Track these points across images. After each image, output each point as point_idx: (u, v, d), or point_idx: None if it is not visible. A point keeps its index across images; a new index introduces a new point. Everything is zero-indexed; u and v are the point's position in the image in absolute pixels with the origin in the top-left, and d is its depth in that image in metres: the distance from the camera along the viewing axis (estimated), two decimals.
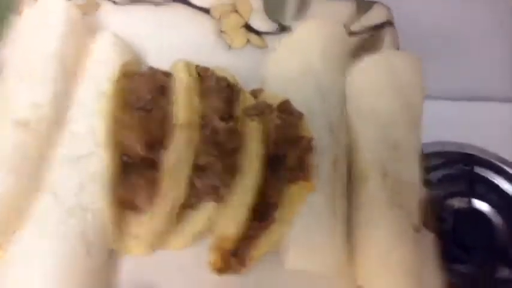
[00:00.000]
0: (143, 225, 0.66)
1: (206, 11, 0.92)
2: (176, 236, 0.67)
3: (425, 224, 0.70)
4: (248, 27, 0.92)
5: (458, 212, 1.02)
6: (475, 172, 1.06)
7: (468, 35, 1.14)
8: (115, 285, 0.66)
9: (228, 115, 0.69)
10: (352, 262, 0.67)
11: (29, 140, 0.65)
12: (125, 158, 0.66)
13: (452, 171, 1.08)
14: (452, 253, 0.76)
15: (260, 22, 0.92)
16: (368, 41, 0.90)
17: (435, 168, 1.06)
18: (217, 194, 0.65)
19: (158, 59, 0.82)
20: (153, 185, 0.64)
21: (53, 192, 0.63)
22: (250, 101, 0.73)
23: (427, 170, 0.76)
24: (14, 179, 0.62)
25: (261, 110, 0.69)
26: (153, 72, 0.72)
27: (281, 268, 0.67)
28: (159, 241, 0.66)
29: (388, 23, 0.91)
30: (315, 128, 0.72)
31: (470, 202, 1.03)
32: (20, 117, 0.65)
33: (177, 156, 0.64)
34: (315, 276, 0.67)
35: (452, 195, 1.04)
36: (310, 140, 0.69)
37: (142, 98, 0.68)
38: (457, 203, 1.04)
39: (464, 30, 1.13)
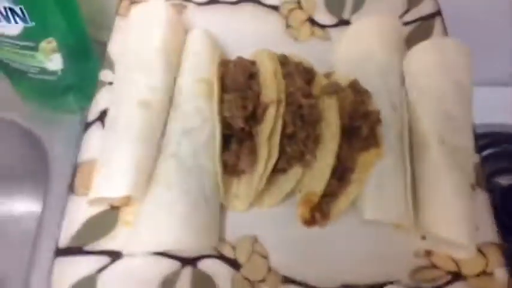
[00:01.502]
0: (243, 186, 0.79)
1: (275, 8, 1.05)
2: (270, 195, 0.80)
3: (480, 184, 0.81)
4: (312, 22, 1.05)
5: (505, 189, 1.11)
6: None
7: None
8: (224, 234, 0.79)
9: (308, 93, 0.81)
10: (418, 215, 0.78)
11: (151, 116, 0.79)
12: (227, 131, 0.79)
13: (498, 151, 1.17)
14: (501, 225, 0.84)
15: (322, 16, 1.05)
16: (420, 30, 1.02)
17: (482, 148, 1.14)
18: (304, 158, 0.78)
19: (237, 50, 0.96)
20: (253, 152, 0.77)
21: (176, 156, 0.77)
22: (324, 81, 0.85)
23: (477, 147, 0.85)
24: (143, 146, 0.76)
25: (336, 88, 0.82)
26: (242, 61, 0.86)
27: (359, 222, 0.80)
28: (255, 200, 0.79)
29: (437, 14, 1.02)
30: (380, 105, 0.85)
31: None
32: (143, 98, 0.79)
33: (270, 127, 0.76)
34: (387, 226, 0.79)
35: (499, 172, 1.13)
36: (378, 113, 0.81)
37: (237, 81, 0.82)
38: (503, 180, 1.13)
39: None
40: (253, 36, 1.00)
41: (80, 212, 0.77)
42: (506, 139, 1.17)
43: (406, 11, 1.04)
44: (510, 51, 1.25)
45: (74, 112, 1.04)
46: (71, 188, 0.78)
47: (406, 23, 1.02)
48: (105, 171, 0.73)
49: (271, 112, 0.76)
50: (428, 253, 0.79)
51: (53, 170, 1.00)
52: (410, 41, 0.99)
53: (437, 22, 1.01)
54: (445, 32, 0.99)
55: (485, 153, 1.16)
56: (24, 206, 1.16)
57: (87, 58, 1.03)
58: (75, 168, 0.79)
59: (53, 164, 1.01)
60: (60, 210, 0.77)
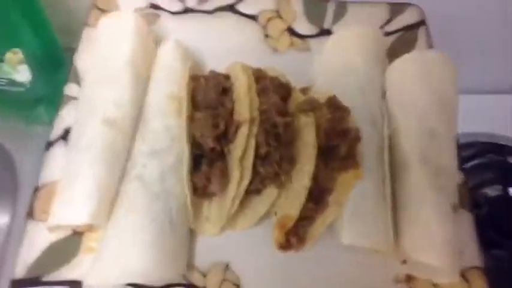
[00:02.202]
0: (214, 208, 0.75)
1: (253, 17, 1.01)
2: (243, 218, 0.76)
3: (463, 205, 0.78)
4: (291, 31, 1.00)
5: (492, 200, 1.07)
6: (508, 162, 1.13)
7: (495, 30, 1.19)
8: (193, 260, 0.75)
9: (283, 111, 0.77)
10: (398, 239, 0.75)
11: (116, 135, 0.75)
12: (197, 151, 0.74)
13: (485, 161, 1.13)
14: (488, 238, 0.80)
15: (302, 26, 1.01)
16: (402, 40, 0.98)
17: (468, 158, 1.12)
18: (279, 179, 0.74)
19: (213, 62, 0.92)
20: (224, 174, 0.73)
21: (141, 180, 0.72)
22: (300, 97, 0.81)
23: (461, 160, 0.82)
24: (107, 168, 0.72)
25: (313, 106, 0.78)
26: (215, 75, 0.82)
27: (336, 247, 0.75)
28: (227, 223, 0.74)
29: (422, 23, 0.98)
30: (359, 121, 0.80)
31: (504, 190, 1.09)
32: (108, 116, 0.74)
33: (242, 147, 0.72)
34: (366, 251, 0.75)
35: (485, 184, 1.09)
36: (357, 131, 0.77)
37: (209, 98, 0.78)
38: (490, 191, 1.10)
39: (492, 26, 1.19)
40: (230, 47, 0.96)
41: (39, 238, 0.73)
42: (492, 149, 1.14)
43: (389, 20, 1.00)
44: (495, 59, 1.21)
45: (45, 124, 0.97)
46: (30, 213, 0.73)
47: (389, 33, 0.99)
48: (65, 195, 0.69)
49: (243, 131, 0.72)
50: (408, 278, 0.75)
51: (22, 183, 0.98)
52: (393, 52, 0.95)
53: (421, 32, 0.98)
54: (429, 42, 0.96)
55: (471, 163, 1.14)
56: None
57: (58, 68, 1.00)
58: (35, 191, 0.75)
59: (22, 178, 0.99)
60: None
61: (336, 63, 0.89)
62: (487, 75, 1.19)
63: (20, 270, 0.69)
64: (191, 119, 0.75)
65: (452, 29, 1.05)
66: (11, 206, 0.95)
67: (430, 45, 0.95)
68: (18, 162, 0.99)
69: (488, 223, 0.85)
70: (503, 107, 1.22)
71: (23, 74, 0.93)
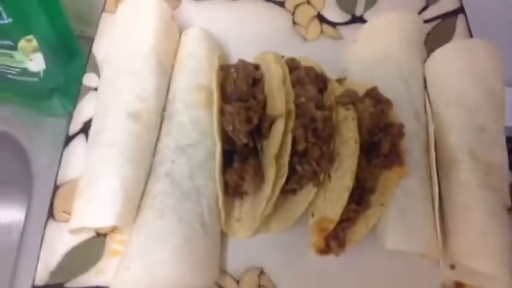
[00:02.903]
0: (246, 209, 0.70)
1: (280, 3, 0.95)
2: (278, 220, 0.70)
3: None
4: (321, 18, 0.94)
5: None
6: None
7: None
8: (225, 265, 0.70)
9: (321, 104, 0.71)
10: (446, 243, 0.69)
11: (141, 130, 0.69)
12: (228, 146, 0.69)
13: None
14: None
15: (333, 13, 0.95)
16: (440, 29, 0.92)
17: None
18: (317, 179, 0.68)
19: (238, 51, 0.86)
20: (258, 172, 0.67)
21: (169, 177, 0.67)
22: (338, 89, 0.75)
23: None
24: (132, 166, 0.66)
25: (353, 98, 0.72)
26: (245, 65, 0.75)
27: (379, 251, 0.70)
28: (261, 225, 0.69)
29: (460, 11, 0.92)
30: (402, 114, 0.75)
31: None
32: (132, 110, 0.69)
33: (278, 144, 0.66)
34: (411, 256, 0.70)
35: None
36: (401, 126, 0.71)
37: (240, 89, 0.72)
38: None
39: None
40: (256, 35, 0.91)
41: (60, 241, 0.68)
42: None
43: (425, 8, 0.94)
44: None
45: (60, 116, 0.95)
46: (50, 213, 0.68)
47: (425, 21, 0.92)
48: (88, 195, 0.64)
49: (279, 126, 0.67)
50: (458, 285, 0.70)
51: (37, 178, 0.92)
52: (430, 42, 0.89)
53: (459, 20, 0.92)
54: (468, 31, 0.90)
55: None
56: (6, 214, 1.07)
57: (73, 57, 0.95)
58: (54, 189, 0.69)
59: (37, 172, 0.93)
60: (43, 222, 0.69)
61: (373, 52, 0.83)
62: None
63: (41, 276, 0.65)
64: (222, 113, 0.68)
65: (488, 18, 0.97)
66: (26, 202, 0.90)
67: (470, 34, 0.88)
68: (32, 156, 0.94)
69: None
70: None
71: (36, 63, 0.87)
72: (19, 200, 1.01)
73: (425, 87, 0.81)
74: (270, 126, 0.69)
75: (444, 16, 0.92)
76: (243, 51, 0.83)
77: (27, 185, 0.91)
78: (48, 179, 0.78)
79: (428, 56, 0.85)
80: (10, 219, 1.04)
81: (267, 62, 0.74)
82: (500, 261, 0.64)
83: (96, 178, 0.64)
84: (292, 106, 0.68)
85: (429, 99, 0.79)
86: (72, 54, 0.94)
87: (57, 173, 0.71)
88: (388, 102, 0.72)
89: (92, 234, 0.68)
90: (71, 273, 0.66)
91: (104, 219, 0.62)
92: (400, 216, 0.68)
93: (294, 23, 0.92)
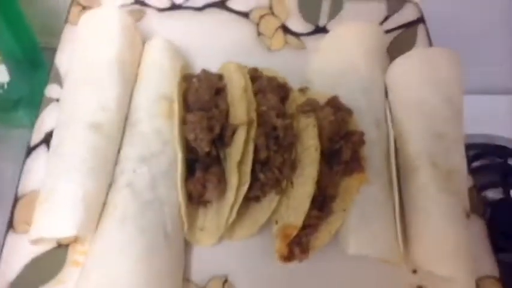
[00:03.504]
0: (210, 217, 0.70)
1: (245, 15, 0.96)
2: (242, 227, 0.70)
3: (474, 210, 0.74)
4: (285, 29, 0.96)
5: (495, 203, 1.03)
6: (508, 164, 1.09)
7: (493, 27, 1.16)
8: (190, 273, 0.69)
9: (282, 112, 0.71)
10: (408, 248, 0.70)
11: (103, 140, 0.69)
12: (190, 155, 0.69)
13: (485, 163, 1.10)
14: (493, 243, 0.77)
15: (296, 23, 0.96)
16: (402, 38, 0.94)
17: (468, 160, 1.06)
18: (280, 186, 0.68)
19: (203, 62, 0.86)
20: (221, 180, 0.67)
21: (131, 187, 0.67)
22: (300, 98, 0.76)
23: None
24: (94, 177, 0.66)
25: (314, 107, 0.73)
26: (208, 75, 0.76)
27: (342, 256, 0.71)
28: (225, 232, 0.69)
29: (420, 20, 0.94)
30: (363, 123, 0.76)
31: (505, 193, 1.05)
32: (93, 120, 0.68)
33: (240, 152, 0.66)
34: (373, 261, 0.71)
35: (486, 186, 1.06)
36: (361, 134, 0.72)
37: (202, 99, 0.72)
38: (491, 194, 1.06)
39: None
40: (221, 45, 0.92)
41: (20, 252, 0.67)
42: (494, 151, 1.10)
43: (387, 17, 0.96)
44: (498, 59, 1.16)
45: (25, 127, 0.91)
46: (10, 224, 0.67)
47: (387, 31, 0.94)
48: (49, 205, 0.63)
49: (240, 134, 0.67)
50: None
51: (1, 191, 0.92)
52: (392, 51, 0.92)
53: (420, 30, 0.95)
54: (429, 40, 0.92)
55: (472, 166, 1.06)
56: None
57: (37, 68, 0.95)
58: (15, 201, 0.68)
59: (1, 185, 0.93)
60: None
61: (334, 62, 0.84)
62: (485, 75, 1.14)
63: None
64: (183, 122, 0.68)
65: (447, 27, 0.99)
66: None
67: (430, 44, 0.90)
68: None
69: (493, 227, 0.79)
70: (502, 107, 1.18)
71: (0, 75, 0.87)
72: None
73: (387, 96, 0.81)
74: (232, 134, 0.69)
75: (405, 26, 0.94)
76: (207, 62, 0.83)
77: None
78: (12, 190, 0.75)
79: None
80: None
81: (229, 72, 0.75)
82: (460, 264, 0.66)
83: (56, 188, 0.64)
84: (253, 115, 0.69)
85: (390, 107, 0.79)
86: (36, 66, 0.94)
87: (17, 184, 0.70)
88: (348, 111, 0.74)
89: (53, 245, 0.67)
90: (31, 284, 0.65)
91: (64, 229, 0.61)
92: (362, 222, 0.69)
93: (259, 33, 0.93)
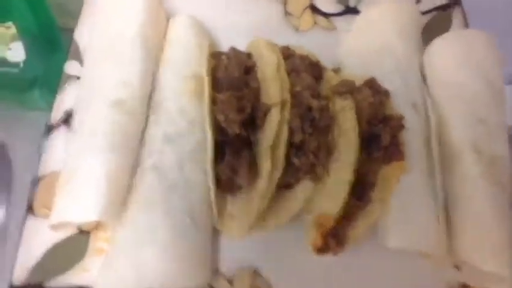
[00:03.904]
0: (239, 204, 0.65)
1: None
2: (273, 216, 0.66)
3: None
4: (314, 9, 0.91)
5: None
6: None
7: None
8: (218, 261, 0.66)
9: (318, 93, 0.67)
10: (451, 241, 0.66)
11: (126, 118, 0.65)
12: (220, 137, 0.64)
13: None
14: None
15: (326, 3, 0.92)
16: (437, 20, 0.89)
17: None
18: (315, 172, 0.64)
19: (228, 40, 0.82)
20: (252, 164, 0.63)
21: (157, 169, 0.63)
22: (335, 79, 0.71)
23: None
24: (117, 157, 0.62)
25: (351, 88, 0.68)
26: (237, 53, 0.72)
27: (380, 249, 0.66)
28: (256, 222, 0.64)
29: (456, 2, 0.89)
30: (399, 107, 0.71)
31: None
32: (115, 97, 0.65)
33: (273, 135, 0.62)
34: (414, 256, 0.67)
35: None
36: (400, 118, 0.68)
37: (232, 77, 0.68)
38: None
39: None
40: (246, 24, 0.87)
41: (40, 238, 0.63)
42: None
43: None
44: None
45: (41, 109, 0.88)
46: (29, 208, 0.63)
47: (422, 13, 0.89)
48: (70, 188, 0.59)
49: (274, 116, 0.63)
50: (463, 287, 0.66)
51: (17, 173, 0.87)
52: (426, 34, 0.86)
53: (456, 12, 0.89)
54: (465, 23, 0.87)
55: None
56: None
57: (55, 48, 0.91)
58: (34, 183, 0.65)
59: (17, 167, 0.88)
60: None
61: (368, 43, 0.80)
62: None
63: (19, 275, 0.61)
64: (213, 101, 0.63)
65: (485, 11, 0.94)
66: (6, 198, 0.84)
67: (467, 27, 0.85)
68: (11, 150, 0.89)
69: None
70: None
71: (16, 53, 0.84)
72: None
73: (424, 79, 0.77)
74: (264, 116, 0.65)
75: (441, 8, 0.90)
76: (232, 41, 0.79)
77: (6, 181, 0.86)
78: (28, 174, 0.73)
79: (424, 48, 0.81)
80: None
81: (259, 50, 0.71)
82: (507, 259, 0.62)
83: (78, 170, 0.60)
84: (287, 95, 0.65)
85: (428, 91, 0.75)
86: (53, 45, 0.90)
87: (36, 166, 0.66)
88: (386, 93, 0.69)
89: (75, 230, 0.64)
90: (52, 272, 0.62)
91: (86, 214, 0.58)
92: (402, 213, 0.65)
93: (286, 13, 0.89)
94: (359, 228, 0.65)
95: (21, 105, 0.90)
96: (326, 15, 0.90)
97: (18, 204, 0.79)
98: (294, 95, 0.66)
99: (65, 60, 0.77)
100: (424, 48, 0.82)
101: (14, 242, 0.64)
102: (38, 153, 0.69)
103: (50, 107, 0.75)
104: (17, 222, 0.65)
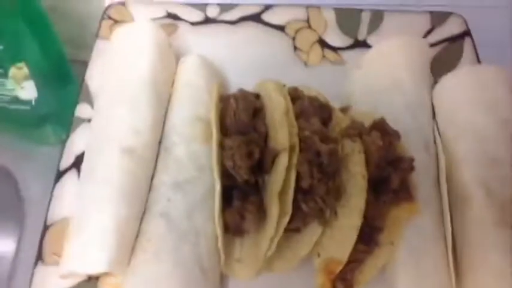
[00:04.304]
0: (247, 248, 0.65)
1: (281, 28, 0.91)
2: (281, 259, 0.66)
3: None
4: (323, 43, 0.91)
5: None
6: None
7: None
8: None
9: (326, 137, 0.67)
10: (461, 285, 0.65)
11: (136, 166, 0.65)
12: (228, 182, 0.64)
13: None
14: None
15: (335, 37, 0.92)
16: (447, 53, 0.88)
17: None
18: (324, 217, 0.64)
19: (238, 77, 0.84)
20: (260, 209, 0.63)
21: (165, 217, 0.63)
22: (343, 120, 0.71)
23: None
24: (127, 207, 0.62)
25: (360, 130, 0.68)
26: (245, 95, 0.72)
27: None
28: (263, 265, 0.65)
29: (466, 34, 0.88)
30: (410, 146, 0.71)
31: None
32: (126, 144, 0.65)
33: (281, 180, 0.62)
34: None
35: None
36: (411, 160, 0.67)
37: (240, 121, 0.68)
38: None
39: None
40: (256, 60, 0.88)
41: (49, 285, 0.64)
42: None
43: (430, 30, 0.90)
44: None
45: (53, 144, 0.89)
46: (39, 256, 0.64)
47: (431, 45, 0.88)
48: (80, 237, 0.60)
49: (282, 161, 0.63)
50: None
51: (28, 210, 0.87)
52: (436, 66, 0.86)
53: (466, 44, 0.88)
54: (476, 55, 0.85)
55: None
56: None
57: (65, 84, 0.91)
58: (44, 230, 0.65)
59: (28, 204, 0.87)
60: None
61: (378, 80, 0.79)
62: None
63: None
64: (221, 146, 0.64)
65: (495, 41, 0.94)
66: (17, 233, 0.84)
67: (477, 58, 0.84)
68: (23, 186, 0.89)
69: None
70: None
71: (28, 91, 0.84)
72: (10, 233, 0.95)
73: (434, 117, 0.76)
74: (273, 160, 0.65)
75: (450, 39, 0.89)
76: (242, 77, 0.81)
77: (19, 216, 0.86)
78: (40, 210, 0.73)
79: (435, 81, 0.82)
80: (0, 251, 0.98)
81: (268, 92, 0.70)
82: None
83: (88, 219, 0.60)
84: (296, 140, 0.65)
85: (438, 129, 0.74)
86: (64, 80, 0.91)
87: (47, 212, 0.66)
88: (396, 134, 0.69)
89: (83, 277, 0.64)
90: None
91: (96, 265, 0.58)
92: (411, 257, 0.64)
93: (295, 48, 0.89)
94: (367, 271, 0.65)
95: (33, 141, 0.91)
96: (335, 49, 0.90)
97: (28, 240, 0.79)
98: (302, 139, 0.65)
99: (76, 94, 0.79)
100: (434, 82, 0.81)
101: (23, 276, 0.66)
102: (49, 198, 0.69)
103: (61, 141, 0.76)
104: (27, 260, 0.67)
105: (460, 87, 0.76)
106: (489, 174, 0.67)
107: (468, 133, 0.71)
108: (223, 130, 0.68)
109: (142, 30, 0.75)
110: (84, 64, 0.81)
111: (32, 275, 0.64)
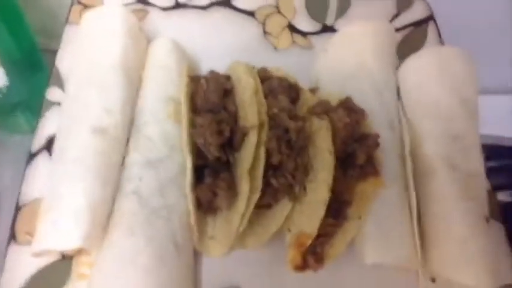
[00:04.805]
0: (220, 225, 0.66)
1: (250, 13, 0.93)
2: (253, 235, 0.67)
3: (494, 215, 0.71)
4: (292, 28, 0.93)
5: (505, 206, 0.98)
6: None
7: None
8: (200, 283, 0.67)
9: (294, 114, 0.68)
10: (426, 254, 0.68)
11: (108, 146, 0.66)
12: (199, 160, 0.65)
13: (495, 165, 1.05)
14: None
15: (303, 22, 0.94)
16: (412, 37, 0.91)
17: None
18: (293, 192, 0.65)
19: (208, 61, 0.85)
20: (231, 186, 0.64)
21: (137, 195, 0.64)
22: (311, 99, 0.73)
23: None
24: (99, 184, 0.63)
25: (327, 108, 0.70)
26: (216, 76, 0.73)
27: (358, 265, 0.68)
28: (236, 241, 0.66)
29: (430, 18, 0.91)
30: (376, 125, 0.73)
31: None
32: (98, 125, 0.65)
33: (251, 157, 0.63)
34: (391, 269, 0.68)
35: (497, 189, 0.99)
36: (376, 136, 0.69)
37: (210, 101, 0.69)
38: (502, 197, 1.01)
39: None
40: (226, 45, 0.89)
41: (23, 264, 0.64)
42: (502, 152, 1.06)
43: (395, 16, 0.92)
44: (507, 59, 1.13)
45: (24, 133, 0.90)
46: (12, 235, 0.64)
47: (396, 30, 0.91)
48: (52, 215, 0.60)
49: (252, 138, 0.64)
50: None
51: (1, 197, 0.89)
52: (401, 50, 0.89)
53: (430, 28, 0.92)
54: (439, 38, 0.88)
55: None
56: None
57: (36, 71, 0.92)
58: (16, 210, 0.65)
59: (1, 191, 0.89)
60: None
61: (345, 62, 0.81)
62: (495, 74, 1.10)
63: None
64: (192, 125, 0.65)
65: (459, 25, 0.96)
66: None
67: (441, 42, 0.88)
68: None
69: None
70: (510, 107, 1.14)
71: None
72: None
73: (399, 97, 0.78)
74: (243, 138, 0.66)
75: (415, 24, 0.91)
76: (213, 61, 0.81)
77: None
78: (13, 197, 0.72)
79: (400, 64, 0.83)
80: None
81: (238, 74, 0.72)
82: (482, 271, 0.63)
83: (60, 197, 0.61)
84: (264, 117, 0.66)
85: (403, 108, 0.76)
86: (35, 69, 0.91)
87: (19, 193, 0.66)
88: (362, 113, 0.71)
89: (57, 257, 0.64)
90: None
91: (69, 241, 0.58)
92: (378, 229, 0.66)
93: (265, 32, 0.90)
94: (337, 245, 0.66)
95: (5, 129, 0.91)
96: (304, 33, 0.91)
97: (1, 231, 0.79)
98: (271, 117, 0.67)
99: (47, 82, 0.78)
100: (399, 65, 0.83)
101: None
102: (21, 180, 0.68)
103: (33, 129, 0.75)
104: (1, 249, 0.64)
105: (423, 67, 0.79)
106: (452, 150, 0.70)
107: (430, 111, 0.74)
108: (194, 110, 0.69)
109: (112, 13, 0.76)
110: (55, 53, 0.81)
111: (6, 255, 0.64)
